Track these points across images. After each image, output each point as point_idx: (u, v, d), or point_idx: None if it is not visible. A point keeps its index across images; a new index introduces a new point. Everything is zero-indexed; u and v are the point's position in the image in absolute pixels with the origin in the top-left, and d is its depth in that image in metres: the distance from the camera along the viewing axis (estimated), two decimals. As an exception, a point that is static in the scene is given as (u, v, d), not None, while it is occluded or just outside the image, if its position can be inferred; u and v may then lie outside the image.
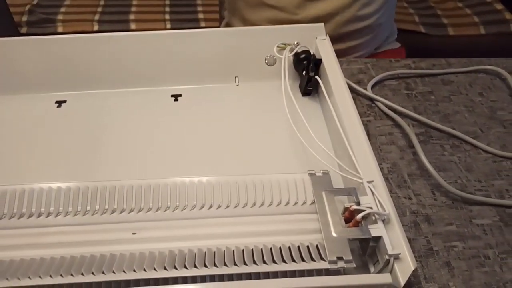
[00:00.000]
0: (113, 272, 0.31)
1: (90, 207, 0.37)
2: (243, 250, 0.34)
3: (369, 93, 0.57)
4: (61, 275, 0.31)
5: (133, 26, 1.22)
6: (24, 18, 1.20)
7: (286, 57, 0.51)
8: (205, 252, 0.34)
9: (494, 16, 1.30)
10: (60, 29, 1.20)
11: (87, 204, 0.37)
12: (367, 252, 0.36)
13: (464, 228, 0.43)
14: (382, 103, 0.56)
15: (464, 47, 1.29)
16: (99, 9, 1.27)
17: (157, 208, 0.37)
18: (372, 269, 0.36)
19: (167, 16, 1.27)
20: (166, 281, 0.32)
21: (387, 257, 0.34)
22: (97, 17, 1.24)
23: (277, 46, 0.54)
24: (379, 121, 0.55)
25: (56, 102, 0.52)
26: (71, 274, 0.31)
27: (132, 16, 1.25)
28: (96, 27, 1.21)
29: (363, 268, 0.36)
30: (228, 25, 0.83)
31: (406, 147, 0.51)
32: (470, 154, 0.51)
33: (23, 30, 1.19)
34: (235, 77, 0.55)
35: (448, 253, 0.41)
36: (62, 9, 1.26)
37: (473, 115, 0.56)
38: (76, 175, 0.43)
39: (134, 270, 0.32)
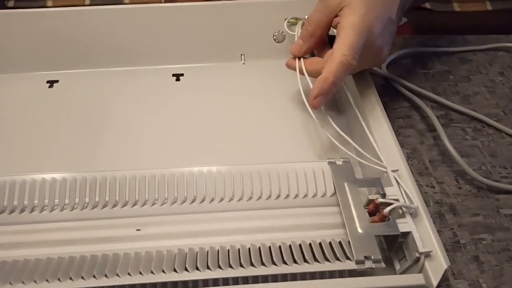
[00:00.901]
0: (117, 275, 0.28)
1: (89, 201, 0.33)
2: (259, 248, 0.31)
3: (384, 72, 0.53)
4: (59, 279, 0.28)
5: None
6: (11, -9, 1.14)
7: (299, 34, 0.47)
8: (217, 251, 0.31)
9: (501, -9, 1.25)
10: (49, 3, 1.13)
11: (86, 197, 0.33)
12: (393, 249, 0.33)
13: (492, 219, 0.40)
14: (399, 83, 0.52)
15: (471, 23, 1.25)
16: (90, -18, 1.21)
17: (163, 201, 0.33)
18: (397, 266, 0.34)
19: (162, -10, 1.21)
20: (175, 285, 0.29)
21: (418, 255, 0.31)
22: (88, -10, 1.17)
23: (287, 21, 0.49)
24: (396, 103, 0.51)
25: (48, 82, 0.48)
26: (70, 278, 0.28)
27: (125, -11, 1.19)
28: (87, 1, 1.15)
29: (387, 265, 0.34)
30: None
31: (426, 131, 0.48)
32: (494, 138, 0.48)
33: (10, 3, 1.12)
34: (241, 55, 0.51)
35: (476, 247, 0.38)
36: (51, -18, 1.19)
37: (494, 96, 0.53)
38: (72, 164, 0.39)
39: (141, 273, 0.29)
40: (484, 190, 0.42)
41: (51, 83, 0.48)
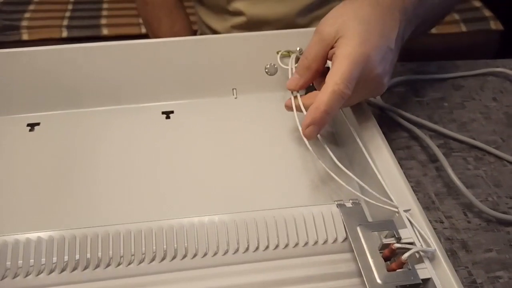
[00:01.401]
0: None
1: (80, 261, 0.30)
2: (271, 306, 0.28)
3: (379, 102, 0.52)
4: None
5: (105, 31, 1.14)
6: (-15, 25, 1.10)
7: (293, 67, 0.46)
8: (226, 312, 0.28)
9: (474, 14, 1.30)
10: (25, 37, 1.10)
11: (75, 257, 0.30)
12: (412, 296, 0.31)
13: (505, 254, 0.38)
14: (395, 112, 0.51)
15: (447, 45, 1.27)
16: (67, 14, 1.18)
17: (162, 258, 0.31)
18: (416, 314, 0.31)
19: (141, 20, 1.19)
20: None
21: (441, 304, 0.29)
22: (65, 22, 1.15)
23: (280, 54, 0.48)
24: (394, 133, 0.50)
25: (28, 125, 0.45)
26: None
27: (103, 21, 1.17)
28: (65, 33, 1.12)
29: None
30: (202, 32, 0.78)
31: (428, 162, 0.47)
32: (495, 166, 0.47)
33: (-17, 38, 1.09)
34: (233, 89, 0.49)
35: (493, 286, 0.36)
36: (27, 15, 1.16)
37: (490, 122, 0.52)
38: (59, 220, 0.36)
39: None
40: (494, 223, 0.41)
41: (32, 126, 0.45)
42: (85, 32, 1.13)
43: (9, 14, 1.16)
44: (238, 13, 0.68)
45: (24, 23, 1.13)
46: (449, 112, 0.53)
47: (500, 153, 0.48)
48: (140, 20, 1.20)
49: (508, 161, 0.47)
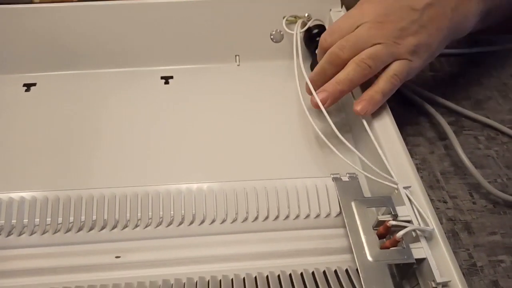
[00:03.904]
0: (91, 314, 0.24)
1: (62, 223, 0.29)
2: (255, 278, 0.27)
3: (390, 74, 0.49)
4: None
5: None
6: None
7: (298, 33, 0.43)
8: (208, 282, 0.27)
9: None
10: (36, -1, 1.09)
11: (58, 219, 0.29)
12: (405, 276, 0.30)
13: (510, 238, 0.36)
14: (406, 86, 0.49)
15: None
16: (80, -23, 1.16)
17: (147, 224, 0.30)
18: (409, 294, 0.30)
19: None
20: (159, 323, 0.25)
21: (434, 285, 0.27)
22: (77, -14, 1.13)
23: (286, 20, 0.46)
24: (403, 108, 0.47)
25: (24, 85, 0.44)
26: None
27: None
28: (76, -3, 1.10)
29: (398, 293, 0.30)
30: None
31: (436, 139, 0.44)
32: (509, 147, 0.44)
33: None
34: (236, 56, 0.47)
35: (494, 270, 0.34)
36: (38, -23, 1.14)
37: (507, 101, 0.49)
38: (44, 181, 0.35)
39: (118, 311, 0.25)
40: (501, 205, 0.39)
41: (28, 86, 0.44)
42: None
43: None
44: None
45: (36, -15, 1.11)
46: (464, 89, 0.50)
47: (514, 133, 0.45)
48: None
49: (522, 142, 0.45)
